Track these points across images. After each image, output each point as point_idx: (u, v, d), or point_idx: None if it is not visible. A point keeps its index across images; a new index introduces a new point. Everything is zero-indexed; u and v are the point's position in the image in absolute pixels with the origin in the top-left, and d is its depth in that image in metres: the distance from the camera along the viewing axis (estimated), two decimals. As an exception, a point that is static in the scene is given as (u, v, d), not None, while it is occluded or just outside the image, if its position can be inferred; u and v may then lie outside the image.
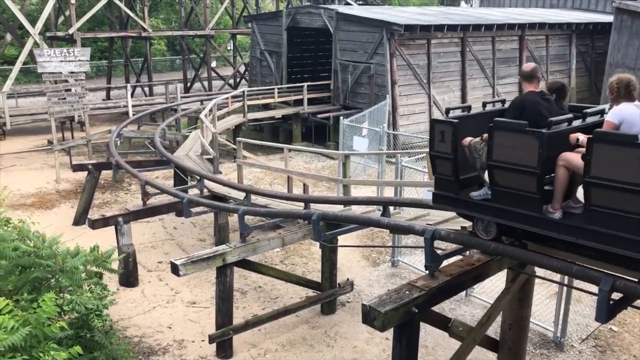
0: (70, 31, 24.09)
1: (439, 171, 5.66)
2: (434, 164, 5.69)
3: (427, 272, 5.97)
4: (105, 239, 10.51)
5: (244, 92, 20.76)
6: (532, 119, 5.08)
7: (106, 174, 15.78)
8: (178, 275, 7.74)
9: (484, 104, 6.11)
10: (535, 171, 4.87)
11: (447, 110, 5.89)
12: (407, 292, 5.62)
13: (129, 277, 10.68)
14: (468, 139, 5.52)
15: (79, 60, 17.13)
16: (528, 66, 5.76)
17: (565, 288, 8.18)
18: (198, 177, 11.86)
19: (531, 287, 7.13)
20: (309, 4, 32.23)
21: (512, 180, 5.05)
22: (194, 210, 11.04)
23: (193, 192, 11.77)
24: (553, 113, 5.30)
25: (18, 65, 22.91)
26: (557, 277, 7.21)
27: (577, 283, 6.18)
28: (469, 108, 6.00)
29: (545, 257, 5.28)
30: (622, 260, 4.65)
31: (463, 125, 5.50)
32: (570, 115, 5.19)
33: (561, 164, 4.98)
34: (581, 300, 9.33)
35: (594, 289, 4.93)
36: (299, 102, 21.85)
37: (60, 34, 25.42)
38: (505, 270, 6.75)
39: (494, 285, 9.00)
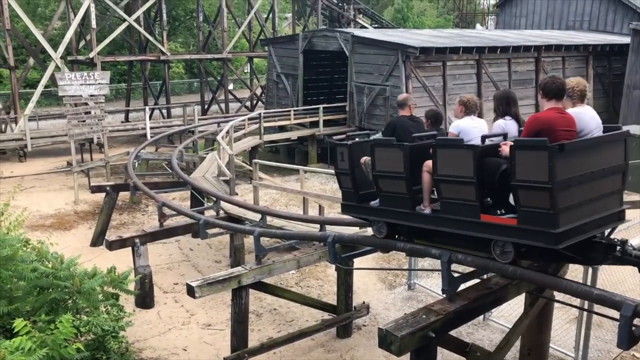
0: (91, 55, 24.59)
1: (343, 185, 6.77)
2: (339, 180, 6.84)
3: (444, 295, 5.90)
4: (122, 260, 10.57)
5: (260, 114, 20.96)
6: (402, 136, 6.39)
7: (124, 195, 15.93)
8: (194, 297, 7.74)
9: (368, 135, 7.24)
10: (403, 176, 5.93)
11: (348, 137, 6.96)
12: (424, 316, 5.56)
13: (145, 299, 10.70)
14: (364, 158, 6.56)
15: (99, 83, 17.45)
16: (401, 96, 7.29)
17: (585, 313, 8.03)
18: (214, 199, 11.93)
19: (550, 312, 7.02)
20: (325, 27, 32.58)
21: (389, 185, 6.13)
22: (210, 231, 11.07)
23: (209, 214, 11.82)
24: (421, 132, 6.56)
25: (40, 88, 23.41)
26: (576, 301, 7.09)
27: (597, 308, 6.06)
28: (367, 135, 7.24)
29: (564, 281, 5.20)
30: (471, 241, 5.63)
31: (360, 147, 6.61)
32: (432, 133, 6.35)
33: (424, 169, 5.95)
34: (602, 325, 9.14)
35: (615, 314, 4.84)
36: (314, 124, 21.97)
37: (81, 57, 25.96)
38: (524, 294, 6.66)
39: (512, 309, 8.86)
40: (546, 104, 5.38)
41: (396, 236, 6.56)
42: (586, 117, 5.48)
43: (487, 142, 5.68)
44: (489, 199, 5.51)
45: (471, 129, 6.01)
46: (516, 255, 5.28)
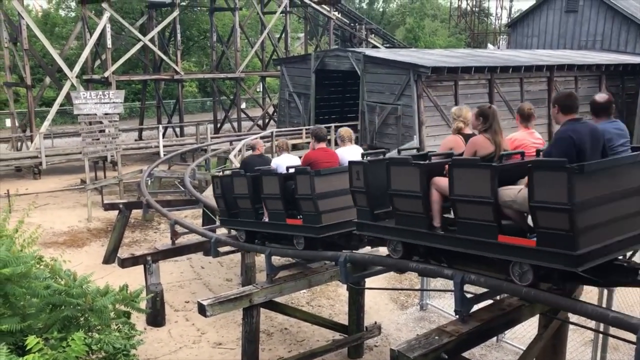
0: (106, 74, 24.95)
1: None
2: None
3: (456, 316, 5.84)
4: (134, 277, 10.59)
5: (272, 132, 21.10)
6: (249, 171, 7.50)
7: (136, 213, 16.01)
8: (205, 315, 7.72)
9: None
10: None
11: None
12: (436, 337, 5.50)
13: (156, 317, 10.69)
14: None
15: (114, 102, 17.67)
16: (252, 141, 9.74)
17: (601, 335, 7.91)
18: (226, 217, 11.92)
19: (565, 334, 6.91)
20: (336, 47, 32.83)
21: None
22: (222, 249, 11.08)
23: (221, 232, 11.84)
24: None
25: (55, 107, 23.75)
26: (592, 323, 6.98)
27: (613, 330, 5.97)
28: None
29: (579, 303, 5.13)
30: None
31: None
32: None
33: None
34: (618, 348, 8.98)
35: (632, 336, 4.76)
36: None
37: (96, 76, 26.34)
38: (538, 316, 6.57)
39: (526, 330, 8.74)
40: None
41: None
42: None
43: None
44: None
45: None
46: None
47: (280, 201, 7.56)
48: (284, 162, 8.28)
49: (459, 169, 5.50)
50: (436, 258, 6.18)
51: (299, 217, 7.73)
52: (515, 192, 5.22)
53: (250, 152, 10.01)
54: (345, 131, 8.22)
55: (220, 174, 10.28)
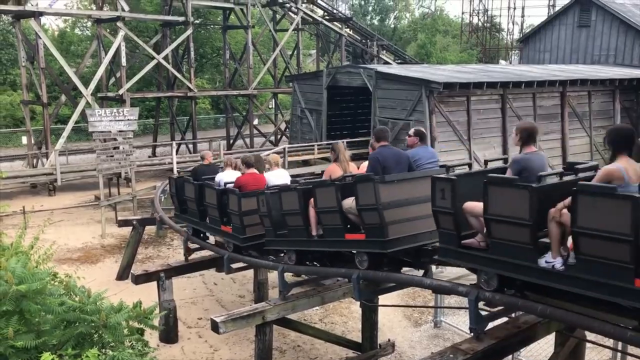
0: (121, 92, 25.26)
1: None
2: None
3: (471, 334, 5.78)
4: (148, 294, 10.61)
5: (284, 148, 21.17)
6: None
7: (150, 229, 16.09)
8: (218, 332, 7.71)
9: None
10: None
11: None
12: (451, 356, 5.45)
13: (169, 334, 10.68)
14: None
15: (128, 119, 17.85)
16: (202, 153, 10.81)
17: (619, 354, 7.77)
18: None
19: (582, 352, 6.80)
20: (348, 63, 33.01)
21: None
22: (234, 266, 11.08)
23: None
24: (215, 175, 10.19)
25: (70, 124, 24.05)
26: (609, 341, 6.87)
27: (631, 349, 5.87)
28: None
29: (596, 321, 5.06)
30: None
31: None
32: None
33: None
34: (637, 367, 8.82)
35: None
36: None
37: (110, 94, 26.68)
38: (554, 333, 6.49)
39: (541, 348, 8.62)
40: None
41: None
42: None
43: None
44: None
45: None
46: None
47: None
48: (226, 177, 9.71)
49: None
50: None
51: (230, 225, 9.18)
52: (350, 201, 6.88)
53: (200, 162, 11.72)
54: (273, 157, 10.16)
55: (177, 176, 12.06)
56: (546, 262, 5.06)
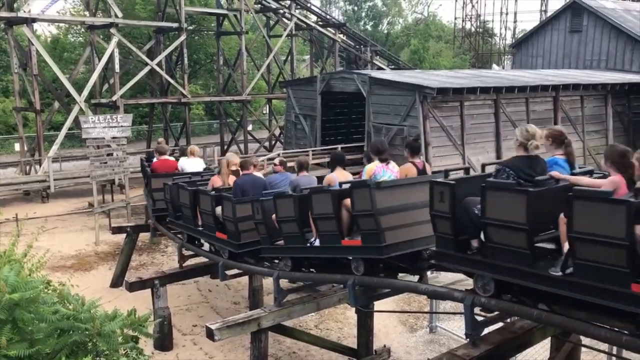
0: (114, 98, 25.18)
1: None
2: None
3: (467, 340, 5.78)
4: (142, 301, 10.55)
5: (279, 154, 21.13)
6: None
7: (144, 236, 16.01)
8: (213, 340, 7.68)
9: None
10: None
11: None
12: (447, 361, 5.44)
13: (163, 341, 10.62)
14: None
15: (122, 126, 17.80)
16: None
17: (614, 358, 7.78)
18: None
19: (577, 357, 6.82)
20: (342, 69, 33.08)
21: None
22: (229, 272, 11.04)
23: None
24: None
25: (64, 131, 23.95)
26: (604, 346, 6.88)
27: (626, 353, 5.88)
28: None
29: (591, 326, 5.07)
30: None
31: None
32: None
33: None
34: (632, 371, 8.84)
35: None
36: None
37: (104, 100, 26.59)
38: (549, 338, 6.49)
39: (537, 353, 8.62)
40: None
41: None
42: None
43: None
44: None
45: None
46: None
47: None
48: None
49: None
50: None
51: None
52: None
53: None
54: (191, 148, 13.44)
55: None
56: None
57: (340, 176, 7.67)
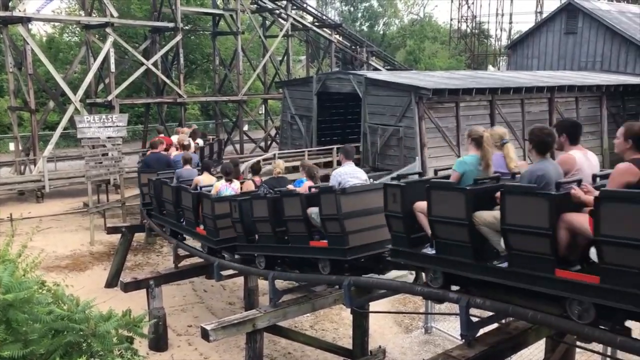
0: (109, 98, 25.11)
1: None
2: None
3: (462, 340, 5.79)
4: (137, 301, 10.53)
5: (275, 154, 21.12)
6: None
7: (139, 236, 15.98)
8: (208, 340, 7.67)
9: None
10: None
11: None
12: (442, 362, 5.45)
13: (158, 341, 10.60)
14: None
15: (117, 125, 17.74)
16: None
17: (608, 359, 7.81)
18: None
19: (572, 358, 6.84)
20: (338, 70, 33.09)
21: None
22: (224, 273, 11.03)
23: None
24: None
25: (59, 130, 23.86)
26: (599, 347, 6.91)
27: (621, 354, 5.90)
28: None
29: (586, 327, 5.08)
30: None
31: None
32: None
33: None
34: (626, 371, 8.87)
35: (641, 361, 4.70)
36: (328, 164, 22.07)
37: (99, 100, 26.52)
38: (544, 339, 6.51)
39: (532, 354, 8.65)
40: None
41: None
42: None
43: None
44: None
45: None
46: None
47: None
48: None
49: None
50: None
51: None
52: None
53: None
54: (181, 137, 14.48)
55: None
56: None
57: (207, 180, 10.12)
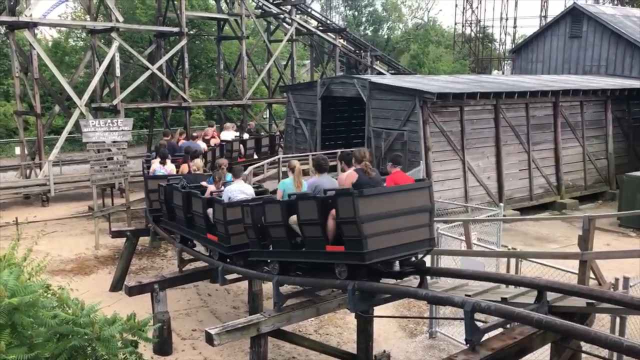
0: (115, 102, 25.21)
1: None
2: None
3: (467, 345, 5.77)
4: (141, 305, 10.54)
5: (279, 158, 21.13)
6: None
7: (144, 240, 16.01)
8: (212, 344, 7.66)
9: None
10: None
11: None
12: (447, 367, 5.43)
13: (163, 345, 10.60)
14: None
15: (122, 130, 17.81)
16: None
17: (614, 364, 7.77)
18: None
19: (578, 363, 6.80)
20: (342, 74, 33.12)
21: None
22: (229, 277, 11.02)
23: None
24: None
25: (64, 134, 23.96)
26: (604, 352, 6.87)
27: (627, 359, 5.86)
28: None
29: (592, 331, 5.06)
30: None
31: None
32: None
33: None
34: (632, 377, 8.80)
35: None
36: (332, 168, 22.05)
37: (104, 104, 26.61)
38: (549, 344, 6.48)
39: (537, 359, 8.60)
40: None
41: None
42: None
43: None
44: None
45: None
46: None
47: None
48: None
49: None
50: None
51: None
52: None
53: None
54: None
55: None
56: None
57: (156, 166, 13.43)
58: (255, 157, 22.14)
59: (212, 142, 19.51)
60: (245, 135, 21.82)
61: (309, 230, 7.52)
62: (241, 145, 21.25)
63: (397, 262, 7.29)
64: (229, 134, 20.92)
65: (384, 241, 6.91)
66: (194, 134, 18.09)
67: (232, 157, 19.92)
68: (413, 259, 7.44)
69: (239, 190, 9.51)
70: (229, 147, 20.28)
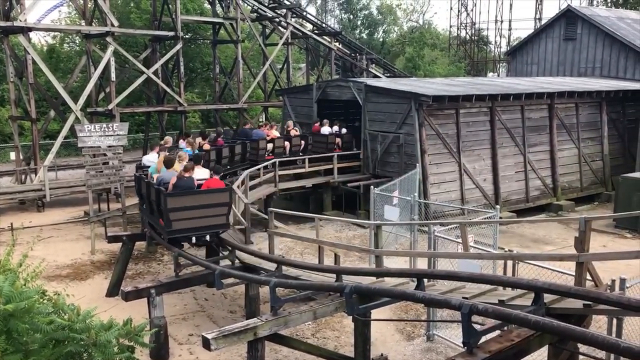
0: (110, 107, 25.16)
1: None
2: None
3: (465, 348, 5.76)
4: (138, 310, 10.50)
5: (275, 162, 21.09)
6: None
7: (140, 245, 15.96)
8: (209, 349, 7.63)
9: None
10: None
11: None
12: (444, 370, 5.42)
13: (159, 350, 10.56)
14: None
15: (118, 134, 17.76)
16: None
17: (612, 365, 7.77)
18: (230, 248, 11.90)
19: (575, 365, 6.80)
20: (338, 77, 33.16)
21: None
22: (225, 281, 11.01)
23: (225, 263, 11.77)
24: None
25: (59, 140, 23.90)
26: (602, 354, 6.87)
27: (624, 361, 5.86)
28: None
29: (589, 333, 5.06)
30: None
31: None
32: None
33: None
34: (630, 378, 8.81)
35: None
36: (329, 172, 22.07)
37: (100, 109, 26.56)
38: (547, 346, 6.48)
39: (535, 361, 8.60)
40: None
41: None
42: None
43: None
44: None
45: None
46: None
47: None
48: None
49: None
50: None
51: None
52: None
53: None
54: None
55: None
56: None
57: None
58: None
59: (292, 132, 22.68)
60: (344, 130, 23.02)
61: (154, 205, 11.69)
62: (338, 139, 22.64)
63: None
64: (326, 129, 22.69)
65: (185, 223, 11.28)
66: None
67: (328, 148, 22.13)
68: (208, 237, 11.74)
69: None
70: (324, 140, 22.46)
